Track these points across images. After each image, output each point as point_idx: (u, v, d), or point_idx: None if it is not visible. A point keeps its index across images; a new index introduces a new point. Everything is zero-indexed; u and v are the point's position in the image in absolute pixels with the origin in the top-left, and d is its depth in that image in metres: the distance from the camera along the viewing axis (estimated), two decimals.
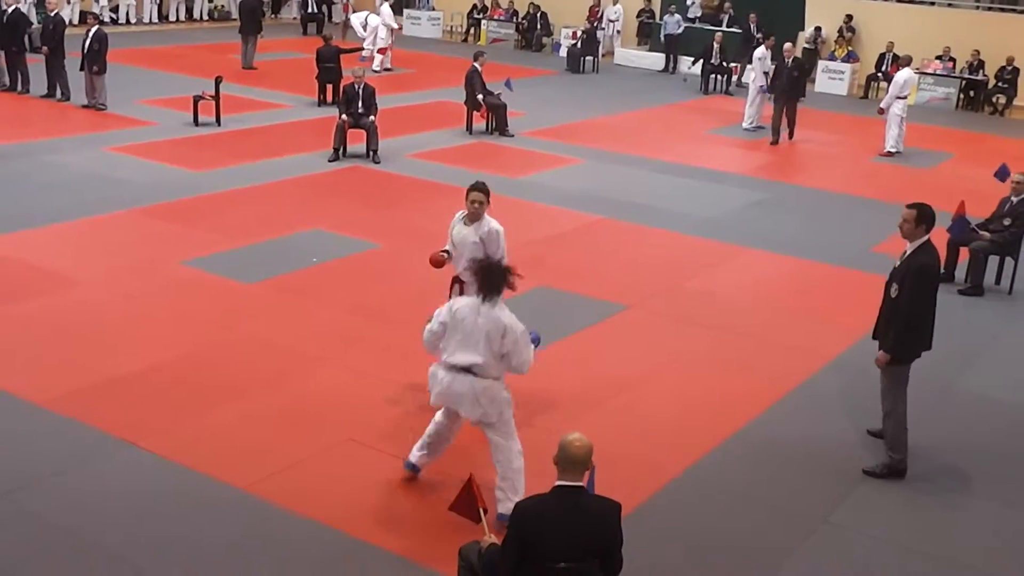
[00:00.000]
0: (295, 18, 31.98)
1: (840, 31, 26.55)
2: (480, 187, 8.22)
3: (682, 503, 7.12)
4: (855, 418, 8.49)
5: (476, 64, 18.04)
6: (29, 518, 6.47)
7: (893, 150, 18.51)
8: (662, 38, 27.35)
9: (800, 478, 7.53)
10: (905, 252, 7.36)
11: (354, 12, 26.58)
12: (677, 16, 27.12)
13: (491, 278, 6.55)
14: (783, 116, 19.09)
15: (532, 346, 6.71)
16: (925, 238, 7.27)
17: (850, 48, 26.24)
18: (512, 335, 6.40)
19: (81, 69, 18.10)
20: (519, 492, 6.37)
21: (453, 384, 6.55)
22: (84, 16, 24.37)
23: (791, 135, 19.27)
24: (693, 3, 28.29)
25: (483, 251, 7.89)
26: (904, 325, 7.24)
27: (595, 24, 28.15)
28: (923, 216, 7.25)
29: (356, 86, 16.07)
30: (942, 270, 11.74)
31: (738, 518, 7.00)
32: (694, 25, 27.48)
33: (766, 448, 7.95)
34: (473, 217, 8.27)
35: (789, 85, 19.00)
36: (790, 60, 19.21)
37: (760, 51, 20.10)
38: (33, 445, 7.33)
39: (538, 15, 29.62)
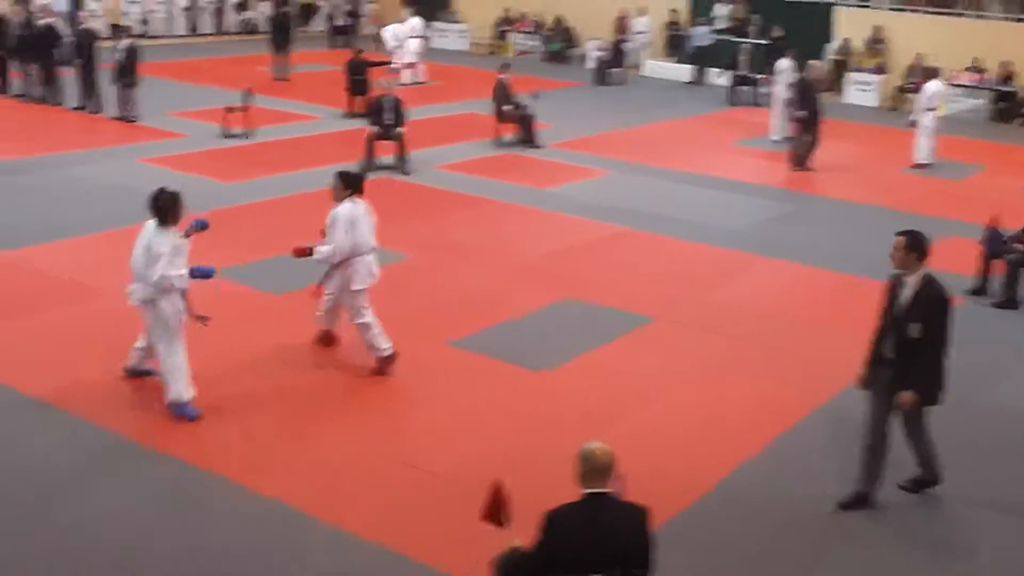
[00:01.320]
0: (323, 31, 32.18)
1: (869, 43, 26.44)
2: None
3: (714, 517, 7.10)
4: None
5: (503, 76, 18.10)
6: (54, 525, 6.53)
7: (924, 162, 18.40)
8: (691, 50, 27.27)
9: (828, 492, 7.47)
10: (902, 285, 6.95)
11: (384, 26, 26.71)
12: (707, 28, 27.06)
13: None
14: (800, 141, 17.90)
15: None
16: (923, 270, 6.91)
17: (879, 59, 26.13)
18: None
19: (113, 82, 18.30)
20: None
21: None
22: (115, 29, 24.58)
23: (797, 163, 17.67)
24: (718, 16, 28.23)
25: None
26: (937, 365, 6.94)
27: (622, 36, 28.16)
28: (914, 244, 6.91)
29: (385, 98, 16.15)
30: (975, 283, 11.74)
31: (772, 530, 6.97)
32: (722, 37, 27.44)
33: (798, 460, 7.92)
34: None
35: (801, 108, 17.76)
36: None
37: (782, 63, 20.04)
38: (59, 450, 7.40)
39: (563, 27, 29.67)
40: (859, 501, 7.22)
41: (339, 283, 9.01)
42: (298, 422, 8.07)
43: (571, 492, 4.73)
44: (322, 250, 8.75)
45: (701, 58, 26.90)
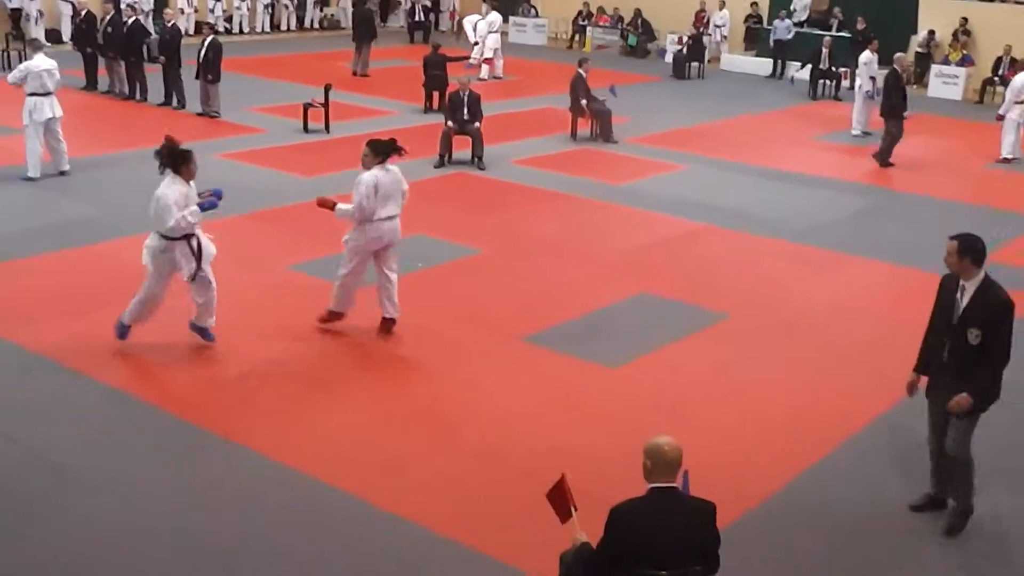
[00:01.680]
0: (402, 26, 32.42)
1: (955, 34, 25.89)
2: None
3: (783, 517, 7.02)
4: None
5: (581, 70, 18.07)
6: (140, 517, 6.69)
7: (1010, 156, 17.96)
8: (771, 43, 26.96)
9: (905, 494, 7.35)
10: (961, 289, 6.64)
11: (463, 18, 26.83)
12: (788, 21, 26.74)
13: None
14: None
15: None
16: (982, 274, 6.59)
17: (965, 52, 25.58)
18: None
19: (196, 78, 18.64)
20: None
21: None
22: (199, 26, 25.06)
23: (881, 161, 17.29)
24: (796, 9, 27.84)
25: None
26: (996, 371, 6.61)
27: (701, 30, 27.94)
28: (967, 248, 6.55)
29: (462, 93, 16.23)
30: None
31: (843, 533, 6.88)
32: (802, 30, 27.08)
33: (875, 459, 7.80)
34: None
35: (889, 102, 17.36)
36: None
37: (865, 55, 19.69)
38: (148, 442, 7.57)
39: (641, 20, 29.52)
40: (932, 504, 7.07)
41: (356, 247, 9.37)
42: (369, 414, 8.15)
43: (638, 487, 4.71)
44: (343, 208, 9.20)
45: (781, 51, 26.57)
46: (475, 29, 25.05)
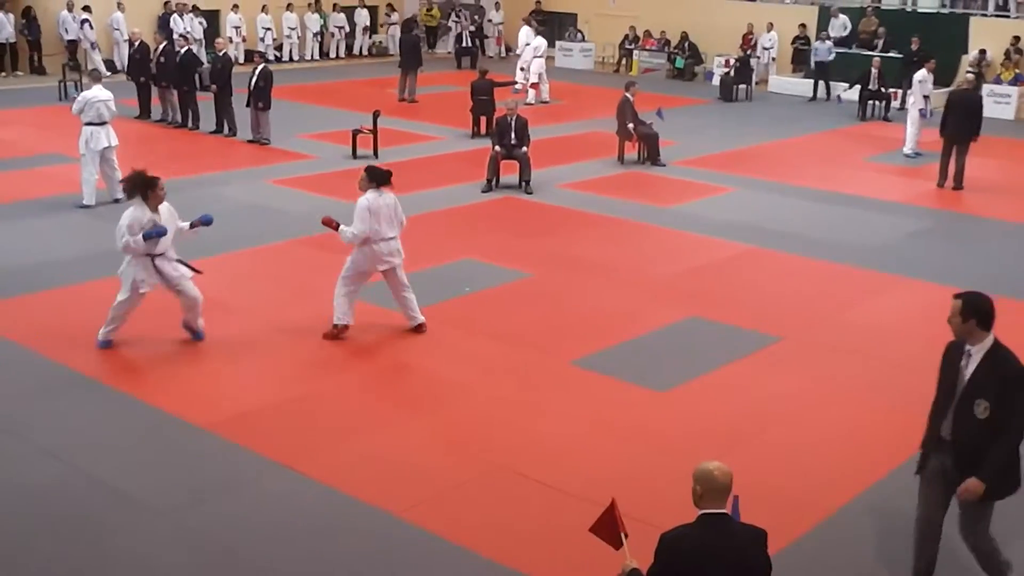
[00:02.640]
0: (449, 52, 32.64)
1: (1007, 53, 25.57)
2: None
3: (836, 542, 6.92)
4: None
5: (628, 94, 18.06)
6: (190, 534, 6.74)
7: None
8: (812, 64, 26.73)
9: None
10: (967, 355, 5.86)
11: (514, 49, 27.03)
12: (829, 42, 26.51)
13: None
14: (951, 158, 17.09)
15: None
16: (991, 337, 5.79)
17: (1017, 71, 25.25)
18: None
19: (247, 105, 18.88)
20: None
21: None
22: (250, 55, 25.41)
23: (958, 184, 16.98)
24: (835, 29, 27.63)
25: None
26: (1013, 451, 5.77)
27: (748, 52, 27.84)
28: (971, 308, 5.75)
29: (509, 118, 16.28)
30: None
31: (898, 560, 6.75)
32: (850, 51, 26.89)
33: None
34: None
35: (956, 123, 16.96)
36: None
37: (921, 74, 19.46)
38: (195, 466, 7.63)
39: (687, 44, 29.48)
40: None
41: (355, 265, 9.97)
42: (419, 437, 8.15)
43: (689, 513, 4.66)
44: (345, 231, 9.80)
45: (823, 73, 26.29)
46: (525, 43, 25.16)
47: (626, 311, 11.04)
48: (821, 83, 26.26)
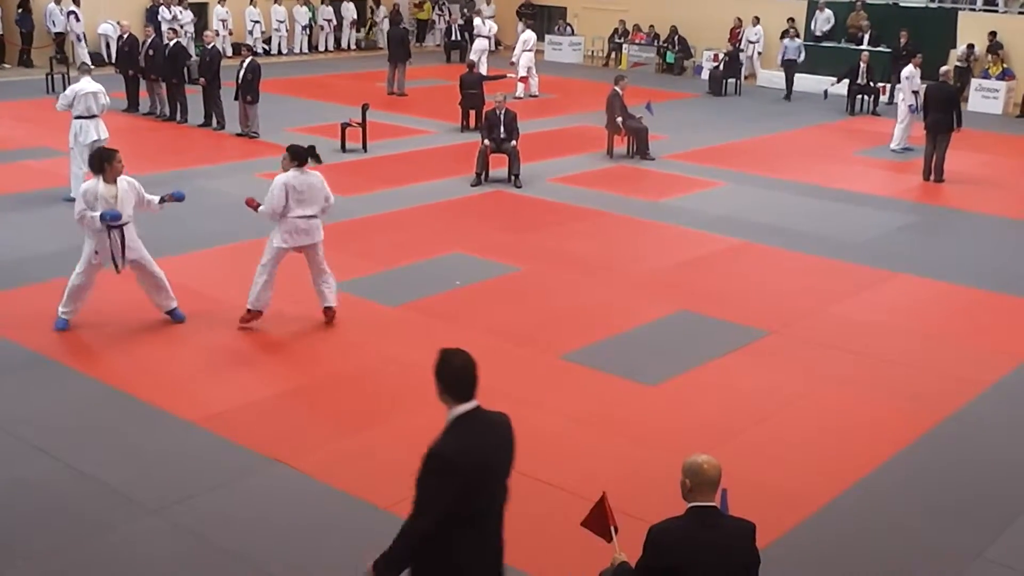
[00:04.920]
0: (439, 45, 32.59)
1: (993, 48, 25.63)
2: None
3: (825, 536, 6.95)
4: (1014, 448, 8.16)
5: (617, 88, 18.06)
6: (182, 532, 6.73)
7: None
8: (780, 63, 26.24)
9: (952, 511, 7.27)
10: None
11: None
12: (798, 40, 26.09)
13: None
14: (934, 152, 17.28)
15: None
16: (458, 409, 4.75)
17: (1005, 65, 25.34)
18: None
19: (235, 99, 18.82)
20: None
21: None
22: (238, 48, 25.34)
23: (939, 177, 17.14)
24: (819, 23, 27.58)
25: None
26: (402, 535, 4.83)
27: (737, 46, 27.87)
28: (439, 375, 4.77)
29: (498, 112, 16.28)
30: None
31: (885, 553, 6.79)
32: (839, 45, 26.90)
33: (916, 479, 7.70)
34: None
35: (934, 116, 17.17)
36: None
37: (908, 69, 19.49)
38: (186, 462, 7.61)
39: (677, 38, 29.49)
40: None
41: (272, 247, 9.98)
42: (408, 431, 8.14)
43: (678, 506, 4.67)
44: (262, 209, 9.89)
45: (791, 72, 25.72)
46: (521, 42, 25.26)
47: (615, 305, 11.05)
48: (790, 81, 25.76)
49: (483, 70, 23.89)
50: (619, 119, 17.96)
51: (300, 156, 9.95)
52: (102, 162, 9.57)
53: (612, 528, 5.09)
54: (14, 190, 14.81)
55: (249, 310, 9.99)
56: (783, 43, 26.28)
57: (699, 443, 7.87)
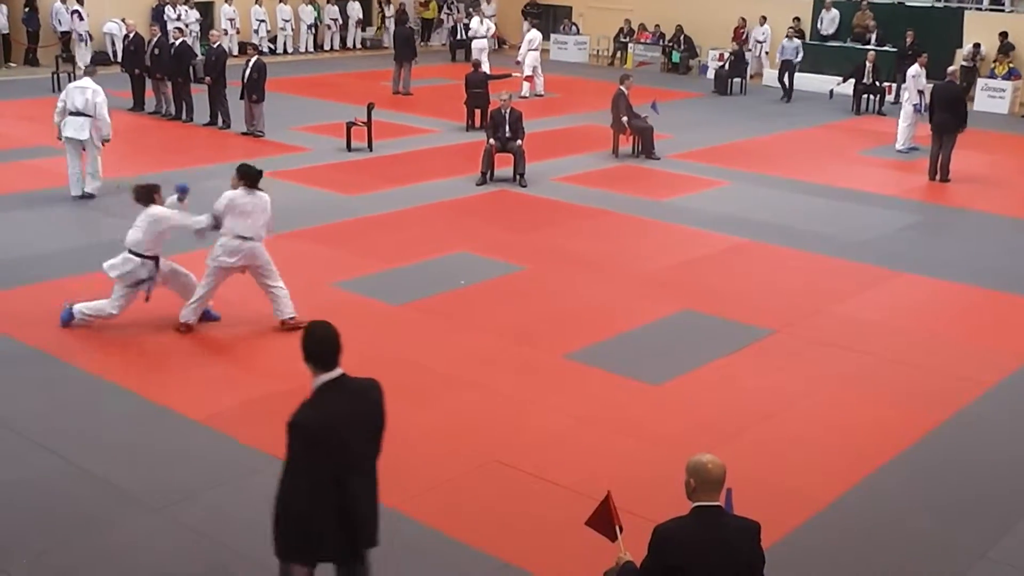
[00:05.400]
0: (444, 44, 32.59)
1: (1000, 47, 25.58)
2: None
3: (829, 535, 6.94)
4: (1018, 448, 8.15)
5: (622, 87, 18.05)
6: (183, 530, 6.74)
7: None
8: (778, 63, 25.75)
9: (956, 511, 7.26)
10: None
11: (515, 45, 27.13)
12: (797, 41, 25.71)
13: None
14: (940, 151, 17.23)
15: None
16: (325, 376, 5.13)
17: (1011, 65, 25.29)
18: None
19: (241, 98, 18.84)
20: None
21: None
22: (244, 47, 25.37)
23: (944, 176, 17.11)
24: (825, 23, 27.55)
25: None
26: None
27: (742, 45, 27.85)
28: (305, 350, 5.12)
29: (503, 111, 16.28)
30: None
31: (889, 552, 6.79)
32: (845, 44, 26.87)
33: (920, 479, 7.70)
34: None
35: (939, 116, 17.10)
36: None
37: (914, 69, 19.45)
38: (189, 460, 7.62)
39: (683, 37, 29.47)
40: None
41: (215, 261, 9.92)
42: (412, 430, 8.16)
43: (683, 506, 4.67)
44: (199, 219, 9.93)
45: (789, 72, 25.31)
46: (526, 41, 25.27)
47: (620, 304, 11.05)
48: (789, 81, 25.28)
49: (485, 69, 23.91)
50: (624, 118, 17.94)
51: (249, 177, 9.96)
52: (151, 195, 9.81)
53: (617, 527, 5.09)
54: (19, 189, 14.83)
55: (183, 323, 9.96)
56: (781, 43, 25.93)
57: (703, 442, 7.88)
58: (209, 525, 6.80)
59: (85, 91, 14.18)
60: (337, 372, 5.18)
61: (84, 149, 14.22)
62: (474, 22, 27.55)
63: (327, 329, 5.19)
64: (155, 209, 9.76)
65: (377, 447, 5.33)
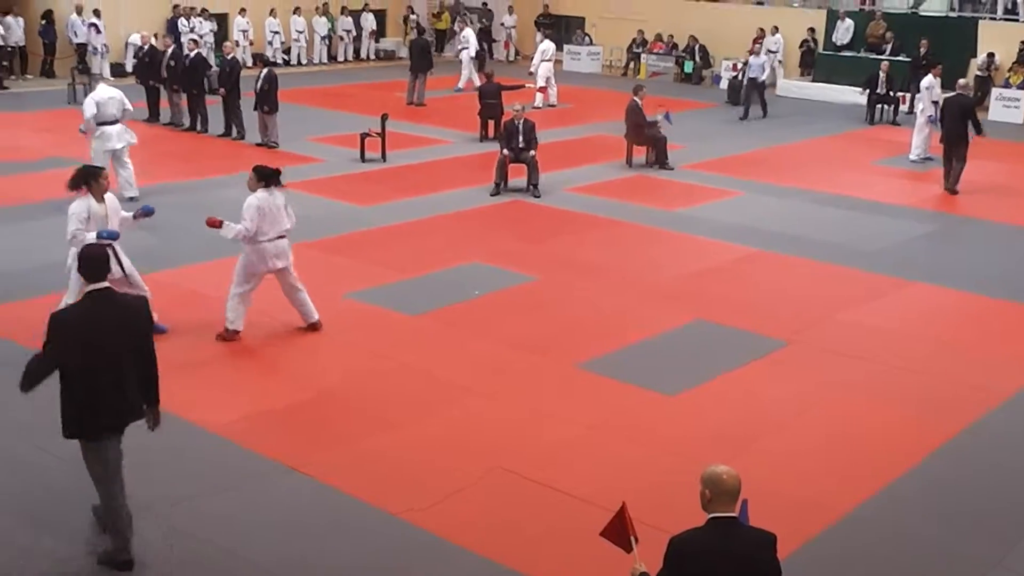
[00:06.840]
0: (457, 55, 32.60)
1: (1016, 57, 25.51)
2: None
3: (845, 546, 6.92)
4: None
5: (636, 98, 18.06)
6: (185, 535, 6.76)
7: None
8: (744, 81, 24.16)
9: (972, 521, 7.23)
10: None
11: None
12: (764, 58, 24.68)
13: None
14: (951, 161, 17.11)
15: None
16: None
17: None
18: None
19: (255, 109, 18.91)
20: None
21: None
22: (257, 58, 25.46)
23: (952, 186, 16.92)
24: (839, 33, 27.52)
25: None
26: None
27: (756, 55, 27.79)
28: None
29: (517, 121, 16.30)
30: None
31: (905, 562, 6.76)
32: (859, 54, 26.83)
33: (935, 489, 7.67)
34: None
35: (949, 127, 16.98)
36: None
37: (927, 79, 19.41)
38: (197, 466, 7.65)
39: (696, 47, 29.46)
40: None
41: (245, 268, 9.93)
42: (424, 439, 8.16)
43: (698, 517, 4.66)
44: (232, 227, 9.72)
45: (754, 91, 23.81)
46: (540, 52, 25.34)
47: (632, 314, 11.04)
48: (750, 100, 23.72)
49: (462, 82, 24.27)
50: (637, 128, 17.93)
51: (265, 176, 9.91)
52: (88, 179, 9.32)
53: (632, 538, 5.08)
54: (34, 200, 14.88)
55: (227, 330, 9.95)
56: (749, 61, 24.17)
57: (718, 452, 7.86)
58: (215, 530, 6.80)
59: (115, 100, 14.38)
60: (103, 285, 6.22)
61: (115, 158, 14.40)
62: (466, 32, 27.67)
63: (100, 249, 6.55)
64: (75, 202, 9.34)
65: (133, 347, 6.22)
